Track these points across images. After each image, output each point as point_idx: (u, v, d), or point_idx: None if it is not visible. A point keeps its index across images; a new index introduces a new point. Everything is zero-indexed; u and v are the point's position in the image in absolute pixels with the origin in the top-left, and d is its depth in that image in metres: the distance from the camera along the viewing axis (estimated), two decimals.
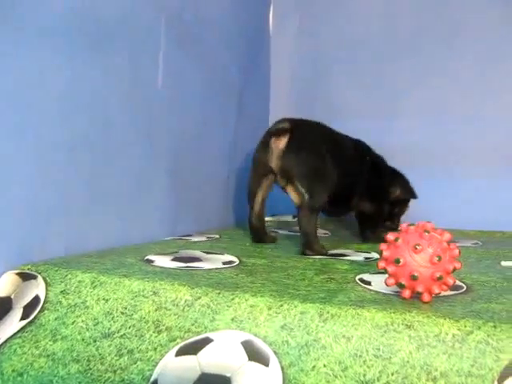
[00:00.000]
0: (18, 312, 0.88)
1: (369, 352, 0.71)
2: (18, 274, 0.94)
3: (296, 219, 1.81)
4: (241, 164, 1.81)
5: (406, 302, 0.79)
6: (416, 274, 0.77)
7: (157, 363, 0.77)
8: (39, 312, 0.88)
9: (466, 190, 1.76)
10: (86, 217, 1.13)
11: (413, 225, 0.83)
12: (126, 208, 1.24)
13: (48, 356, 0.82)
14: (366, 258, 1.20)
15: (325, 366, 0.72)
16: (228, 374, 0.73)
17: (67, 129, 1.07)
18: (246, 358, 0.74)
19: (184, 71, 1.44)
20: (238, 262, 1.10)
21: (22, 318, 0.87)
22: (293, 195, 1.32)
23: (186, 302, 0.83)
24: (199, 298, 0.83)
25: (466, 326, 0.70)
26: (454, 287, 0.89)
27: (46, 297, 0.89)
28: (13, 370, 0.82)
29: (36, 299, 0.89)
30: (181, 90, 1.44)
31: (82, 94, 1.10)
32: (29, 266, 0.95)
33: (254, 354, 0.74)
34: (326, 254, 1.24)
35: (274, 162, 1.32)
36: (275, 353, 0.74)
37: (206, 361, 0.75)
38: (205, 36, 1.54)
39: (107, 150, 1.18)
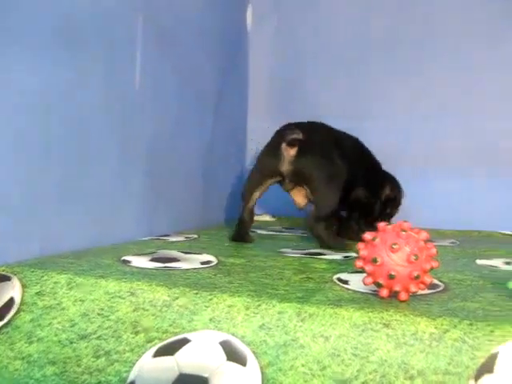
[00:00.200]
0: None
1: (347, 351, 0.71)
2: None
3: (274, 219, 1.83)
4: (218, 164, 1.80)
5: (384, 301, 0.80)
6: (393, 273, 0.77)
7: (134, 364, 0.77)
8: (14, 314, 0.86)
9: (441, 190, 1.77)
10: (61, 217, 1.11)
11: (390, 224, 0.83)
12: (101, 208, 1.23)
13: (23, 358, 0.81)
14: (345, 257, 1.20)
15: (303, 365, 0.72)
16: (206, 375, 0.72)
17: (41, 129, 1.06)
18: (224, 358, 0.74)
19: (161, 71, 1.44)
20: (216, 261, 1.09)
21: None
22: (298, 199, 1.38)
23: (163, 302, 0.82)
24: (177, 298, 0.82)
25: (442, 325, 0.71)
26: (432, 286, 0.89)
27: (21, 298, 0.88)
28: None
29: (11, 301, 0.88)
30: (157, 90, 1.43)
31: (55, 95, 1.09)
32: (3, 268, 0.94)
33: (232, 354, 0.74)
34: (346, 248, 1.29)
35: (285, 167, 1.34)
36: (253, 353, 0.74)
37: (184, 361, 0.74)
38: (182, 36, 1.54)
39: (82, 151, 1.17)
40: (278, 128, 2.00)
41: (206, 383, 0.72)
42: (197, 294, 0.82)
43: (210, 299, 0.81)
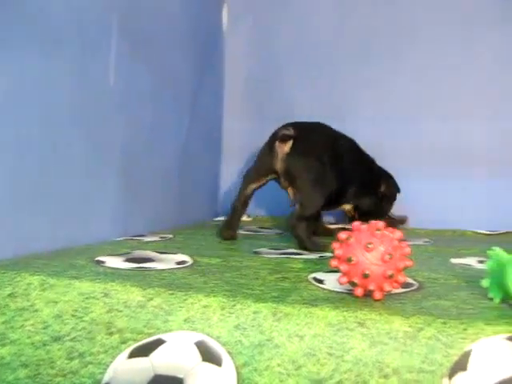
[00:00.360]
0: None
1: (322, 350, 0.72)
2: None
3: (250, 219, 1.83)
4: (194, 164, 1.80)
5: (359, 300, 0.80)
6: (368, 272, 0.77)
7: (108, 366, 0.76)
8: None
9: (415, 190, 1.78)
10: (34, 218, 1.10)
11: (365, 223, 0.84)
12: (75, 208, 1.22)
13: None
14: (320, 257, 1.20)
15: (278, 365, 0.72)
16: (181, 375, 0.72)
17: (12, 130, 1.04)
18: (200, 359, 0.73)
19: (136, 71, 1.43)
20: (191, 261, 1.09)
21: None
22: (295, 197, 1.39)
23: (138, 303, 0.82)
24: (151, 299, 0.82)
25: (416, 323, 0.71)
26: (406, 285, 0.90)
27: None
28: None
29: None
30: (132, 90, 1.42)
31: (28, 94, 1.08)
32: None
33: (208, 355, 0.74)
34: (322, 250, 1.28)
35: (279, 165, 1.38)
36: (229, 353, 0.74)
37: (159, 362, 0.74)
38: (157, 36, 1.53)
39: (56, 150, 1.16)
40: (253, 128, 2.03)
41: None
42: (172, 294, 0.82)
43: (185, 299, 0.81)
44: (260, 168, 1.46)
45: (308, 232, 1.33)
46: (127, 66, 1.38)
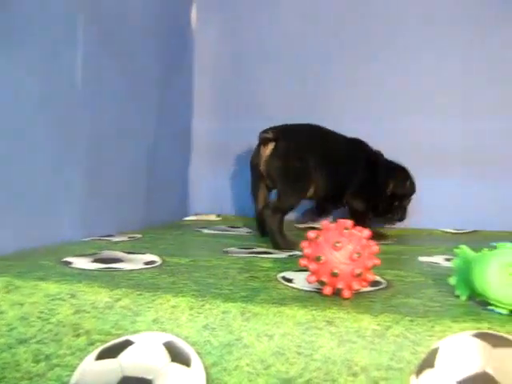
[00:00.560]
0: None
1: (291, 349, 0.72)
2: None
3: (220, 218, 1.83)
4: (163, 164, 1.78)
5: (328, 299, 0.80)
6: (336, 271, 0.78)
7: (75, 368, 0.75)
8: None
9: None
10: None
11: (334, 222, 0.84)
12: (41, 209, 1.20)
13: None
14: (289, 256, 1.20)
15: (247, 364, 0.72)
16: (150, 377, 0.71)
17: None
18: (168, 360, 0.73)
19: (103, 70, 1.41)
20: (160, 261, 1.08)
21: None
22: None
23: (105, 304, 0.81)
24: (119, 299, 0.81)
25: (385, 321, 0.72)
26: (375, 283, 0.91)
27: None
28: None
29: None
30: (100, 89, 1.40)
31: None
32: None
33: (176, 355, 0.73)
34: (293, 248, 1.29)
35: (262, 167, 1.44)
36: (198, 353, 0.74)
37: (128, 364, 0.73)
38: (125, 35, 1.51)
39: (20, 150, 1.13)
40: (223, 127, 2.02)
41: None
42: (140, 294, 0.81)
43: (154, 300, 0.80)
44: (252, 171, 1.50)
45: (281, 226, 1.36)
46: (94, 65, 1.36)
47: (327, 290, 0.80)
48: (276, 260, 1.14)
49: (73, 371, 0.75)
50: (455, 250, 0.85)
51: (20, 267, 0.95)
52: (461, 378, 0.65)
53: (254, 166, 1.48)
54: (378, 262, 0.81)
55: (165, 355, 0.73)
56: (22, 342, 0.79)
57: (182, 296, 0.81)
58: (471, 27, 1.80)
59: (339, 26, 1.93)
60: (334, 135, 1.61)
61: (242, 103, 2.01)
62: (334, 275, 0.78)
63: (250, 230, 1.66)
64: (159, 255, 1.14)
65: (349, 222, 0.82)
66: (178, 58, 1.92)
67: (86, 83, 1.33)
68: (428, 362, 0.68)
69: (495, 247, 0.78)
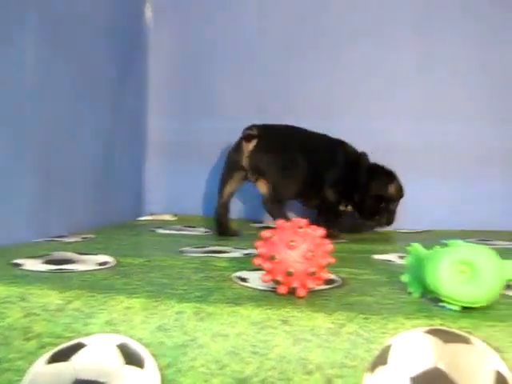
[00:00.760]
0: None
1: (246, 349, 0.72)
2: None
3: (175, 218, 1.83)
4: (118, 164, 1.76)
5: (283, 298, 0.80)
6: (291, 270, 0.78)
7: (26, 372, 0.73)
8: None
9: None
10: None
11: (288, 221, 0.84)
12: None
13: None
14: (245, 255, 1.20)
15: (202, 365, 0.72)
16: (103, 379, 0.70)
17: None
18: (122, 362, 0.72)
19: (56, 69, 1.38)
20: (113, 262, 1.06)
21: None
22: (262, 189, 1.55)
23: (56, 306, 0.79)
24: (71, 301, 0.79)
25: (339, 319, 0.72)
26: (329, 281, 0.91)
27: None
28: None
29: None
30: (53, 88, 1.37)
31: None
32: None
33: (130, 357, 0.72)
34: None
35: (245, 161, 1.55)
36: (152, 355, 0.73)
37: (80, 367, 0.72)
38: (78, 33, 1.48)
39: None
40: (179, 125, 2.01)
41: None
42: (92, 296, 0.80)
43: (106, 301, 0.79)
44: (230, 165, 1.60)
45: (285, 213, 1.50)
46: (45, 62, 1.34)
47: (282, 289, 0.80)
48: (231, 259, 1.14)
49: (23, 375, 0.73)
50: (408, 248, 0.86)
51: None
52: (413, 374, 0.66)
53: (232, 161, 1.59)
54: (332, 260, 0.82)
55: (118, 357, 0.72)
56: None
57: (136, 297, 0.80)
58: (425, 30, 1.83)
59: (294, 24, 1.93)
60: (312, 135, 1.68)
61: (198, 102, 2.00)
62: (289, 274, 0.78)
63: (205, 230, 1.65)
64: (113, 256, 1.12)
65: (303, 221, 0.82)
66: (132, 57, 1.90)
67: (38, 83, 1.31)
68: (381, 359, 0.68)
69: (446, 245, 0.79)
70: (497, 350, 0.68)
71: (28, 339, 0.76)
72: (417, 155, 1.82)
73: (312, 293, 0.83)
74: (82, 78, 1.52)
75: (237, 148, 1.58)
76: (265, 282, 0.82)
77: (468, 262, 0.74)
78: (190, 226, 1.72)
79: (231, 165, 1.60)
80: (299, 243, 0.79)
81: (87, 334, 0.76)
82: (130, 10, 1.90)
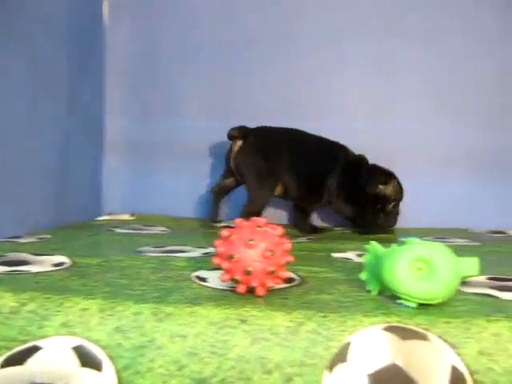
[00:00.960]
0: None
1: (205, 349, 0.71)
2: None
3: (133, 217, 1.80)
4: (74, 163, 1.73)
5: (242, 297, 0.80)
6: (250, 269, 0.78)
7: None
8: None
9: None
10: None
11: (247, 220, 0.84)
12: None
13: None
14: (204, 254, 1.19)
15: (161, 366, 0.71)
16: (59, 383, 0.69)
17: None
18: (78, 364, 0.71)
19: (8, 65, 1.35)
20: (70, 263, 1.05)
21: None
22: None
23: (10, 309, 0.77)
24: (25, 304, 0.78)
25: (298, 318, 0.73)
26: (289, 280, 0.92)
27: None
28: None
29: None
30: (6, 87, 1.34)
31: None
32: None
33: (86, 360, 0.71)
34: None
35: (231, 162, 1.62)
36: (109, 357, 0.72)
37: (36, 370, 0.71)
38: (33, 30, 1.45)
39: None
40: (137, 124, 1.99)
41: None
42: (48, 298, 0.78)
43: (62, 303, 0.77)
44: (226, 164, 1.67)
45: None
46: (0, 61, 1.31)
47: (241, 289, 0.80)
48: (190, 259, 1.13)
49: None
50: (366, 246, 0.87)
51: None
52: (372, 370, 0.67)
53: (226, 160, 1.66)
54: (290, 259, 0.82)
55: (74, 360, 0.71)
56: None
57: (93, 298, 0.78)
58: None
59: (253, 26, 1.93)
60: (309, 138, 1.69)
61: (155, 101, 1.99)
62: (248, 273, 0.78)
63: (164, 229, 1.64)
64: (69, 256, 1.10)
65: (262, 220, 0.82)
66: (89, 55, 1.87)
67: None
68: (340, 357, 0.69)
69: (404, 243, 0.80)
70: (453, 345, 0.69)
71: None
72: (389, 154, 1.83)
73: (271, 292, 0.83)
74: (37, 76, 1.49)
75: (230, 149, 1.64)
76: (224, 281, 0.81)
77: (424, 260, 0.75)
78: (148, 226, 1.70)
79: (226, 164, 1.67)
80: (258, 242, 0.79)
81: (43, 337, 0.74)
82: (87, 7, 1.87)
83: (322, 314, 0.73)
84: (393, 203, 1.65)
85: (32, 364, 0.71)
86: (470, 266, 0.79)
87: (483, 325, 0.71)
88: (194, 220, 1.84)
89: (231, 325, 0.72)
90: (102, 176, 1.99)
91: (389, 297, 0.81)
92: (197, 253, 1.21)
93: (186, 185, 1.94)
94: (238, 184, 1.69)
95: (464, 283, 0.92)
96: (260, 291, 0.80)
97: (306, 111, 1.87)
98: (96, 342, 0.73)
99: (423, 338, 0.69)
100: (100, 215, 1.90)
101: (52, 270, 0.97)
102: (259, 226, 0.81)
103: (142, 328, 0.73)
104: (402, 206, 1.68)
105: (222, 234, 0.82)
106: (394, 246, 0.81)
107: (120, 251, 1.21)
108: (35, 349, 0.73)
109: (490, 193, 1.82)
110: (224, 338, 0.71)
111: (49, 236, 1.39)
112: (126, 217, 1.88)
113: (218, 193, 1.73)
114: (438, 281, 0.75)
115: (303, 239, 1.52)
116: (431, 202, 1.80)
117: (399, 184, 1.65)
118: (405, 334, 0.70)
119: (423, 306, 0.76)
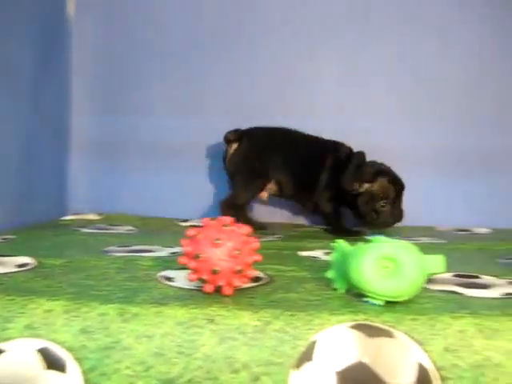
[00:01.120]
0: None
1: (172, 350, 0.71)
2: None
3: (100, 217, 1.79)
4: (39, 162, 1.71)
5: (209, 297, 0.80)
6: (217, 269, 0.77)
7: None
8: None
9: None
10: None
11: (214, 219, 0.83)
12: None
13: None
14: (171, 253, 1.19)
15: (127, 367, 0.70)
16: None
17: None
18: (43, 367, 0.70)
19: None
20: (34, 263, 1.03)
21: None
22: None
23: None
24: None
25: (265, 317, 0.72)
26: (256, 279, 0.91)
27: None
28: None
29: None
30: None
31: None
32: None
33: (51, 362, 0.70)
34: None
35: (227, 164, 1.68)
36: (74, 358, 0.71)
37: None
38: None
39: None
40: (105, 123, 1.96)
41: None
42: (11, 300, 0.77)
43: (26, 305, 0.76)
44: (224, 168, 1.71)
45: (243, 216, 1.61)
46: None
47: (208, 288, 0.80)
48: (157, 258, 1.12)
49: None
50: (332, 244, 0.87)
51: None
52: (339, 369, 0.67)
53: (224, 163, 1.71)
54: (258, 257, 0.82)
55: (39, 362, 0.70)
56: None
57: (57, 299, 0.77)
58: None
59: (224, 22, 1.92)
60: (301, 136, 1.72)
61: (123, 100, 1.97)
62: (215, 273, 0.78)
63: (131, 228, 1.63)
64: (33, 257, 1.08)
65: (229, 219, 0.82)
66: (54, 53, 1.84)
67: None
68: (307, 355, 0.69)
69: (370, 241, 0.80)
70: (419, 342, 0.69)
71: None
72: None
73: (238, 291, 0.83)
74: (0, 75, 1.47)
75: (225, 151, 1.70)
76: (191, 281, 0.81)
77: (390, 258, 0.76)
78: (115, 225, 1.68)
79: (224, 167, 1.71)
80: (225, 241, 0.78)
81: (6, 340, 0.73)
82: (50, 3, 1.84)
83: (290, 313, 0.73)
84: (382, 202, 1.60)
85: None
86: (436, 263, 0.80)
87: (448, 321, 0.72)
88: (161, 219, 1.83)
89: (198, 324, 0.72)
90: (68, 175, 1.96)
91: (356, 295, 0.81)
92: (164, 252, 1.20)
93: (154, 184, 1.93)
94: None
95: (430, 280, 0.93)
96: (227, 290, 0.80)
97: (277, 109, 1.88)
98: (61, 343, 0.72)
99: (390, 335, 0.70)
100: (65, 215, 1.88)
101: (15, 271, 0.96)
102: (226, 225, 0.81)
103: (107, 329, 0.73)
104: None
105: (188, 233, 0.81)
106: (360, 244, 0.81)
107: (85, 251, 1.19)
108: None
109: (455, 191, 1.84)
110: (191, 337, 0.71)
111: (13, 236, 1.37)
112: (92, 216, 1.86)
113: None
114: (404, 278, 0.76)
115: (271, 238, 1.52)
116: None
117: (392, 182, 1.61)
118: (371, 331, 0.70)
119: (390, 304, 0.77)
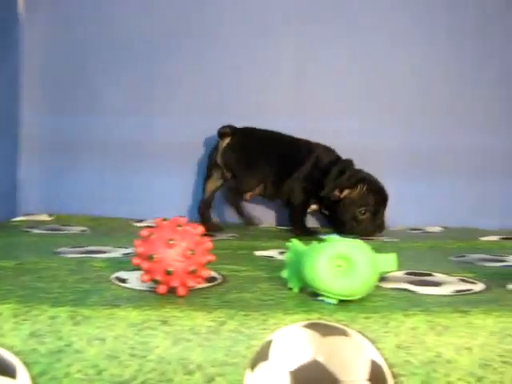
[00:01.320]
0: None
1: (124, 352, 0.70)
2: None
3: (52, 218, 1.76)
4: None
5: (162, 298, 0.79)
6: (170, 269, 0.77)
7: None
8: None
9: None
10: None
11: (166, 219, 0.83)
12: None
13: None
14: (124, 254, 1.17)
15: (79, 371, 0.69)
16: None
17: None
18: None
19: None
20: None
21: None
22: None
23: None
24: None
25: (219, 317, 0.72)
26: (210, 279, 0.91)
27: None
28: None
29: None
30: None
31: None
32: None
33: (0, 368, 0.68)
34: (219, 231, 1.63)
35: (219, 158, 1.69)
36: (24, 363, 0.69)
37: None
38: None
39: None
40: (57, 121, 1.93)
41: None
42: None
43: None
44: (209, 163, 1.74)
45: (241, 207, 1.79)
46: None
47: (161, 289, 0.79)
48: (110, 259, 1.11)
49: None
50: (287, 244, 0.88)
51: None
52: (293, 368, 0.67)
53: (210, 159, 1.73)
54: (212, 258, 0.81)
55: None
56: None
57: (6, 303, 0.75)
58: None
59: (175, 25, 1.91)
60: (284, 138, 1.75)
61: (75, 99, 1.93)
62: (168, 273, 0.77)
63: (84, 229, 1.60)
64: None
65: (182, 219, 0.81)
66: (3, 52, 1.80)
67: None
68: (262, 355, 0.69)
69: (324, 240, 0.80)
70: (372, 340, 0.70)
71: None
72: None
73: (192, 291, 0.82)
74: None
75: (215, 146, 1.71)
76: (144, 282, 0.80)
77: (344, 257, 0.77)
78: (67, 226, 1.66)
79: (209, 163, 1.73)
80: (178, 241, 0.78)
81: None
82: (2, 4, 1.79)
83: (244, 313, 0.73)
84: (361, 208, 1.60)
85: None
86: (389, 261, 0.81)
87: (401, 319, 0.72)
88: (115, 220, 1.80)
89: (151, 326, 0.71)
90: (18, 175, 1.92)
91: (310, 294, 0.81)
92: (117, 253, 1.19)
93: (107, 184, 1.90)
94: (222, 183, 1.74)
95: (383, 279, 0.94)
96: (181, 291, 0.79)
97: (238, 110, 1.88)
98: (10, 348, 0.70)
99: (343, 333, 0.70)
100: (16, 216, 1.84)
101: None
102: (179, 226, 0.80)
103: (58, 332, 0.71)
104: None
105: (141, 233, 0.80)
106: (314, 243, 0.81)
107: (36, 253, 1.17)
108: None
109: (408, 192, 1.87)
110: (144, 339, 0.70)
111: None
112: (44, 217, 1.82)
113: (209, 201, 1.75)
114: (357, 277, 0.76)
115: (226, 237, 1.52)
116: None
117: (371, 190, 1.61)
118: (325, 330, 0.70)
119: (343, 303, 0.77)
